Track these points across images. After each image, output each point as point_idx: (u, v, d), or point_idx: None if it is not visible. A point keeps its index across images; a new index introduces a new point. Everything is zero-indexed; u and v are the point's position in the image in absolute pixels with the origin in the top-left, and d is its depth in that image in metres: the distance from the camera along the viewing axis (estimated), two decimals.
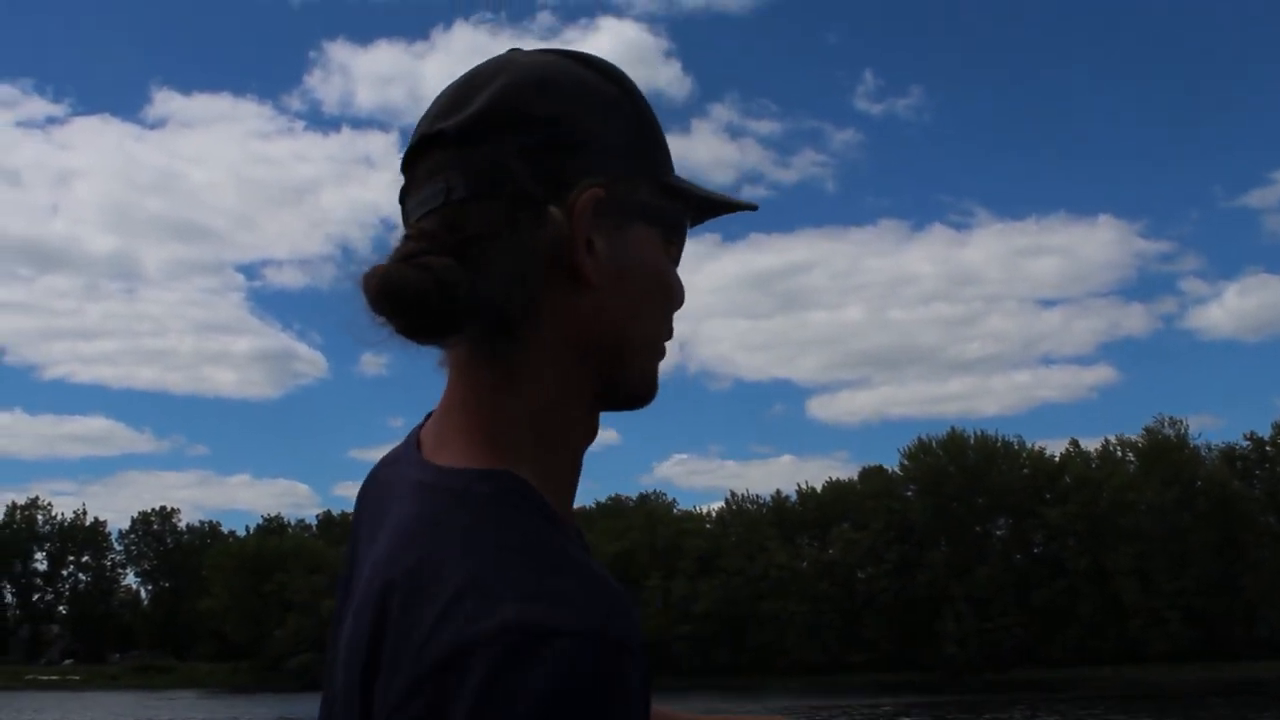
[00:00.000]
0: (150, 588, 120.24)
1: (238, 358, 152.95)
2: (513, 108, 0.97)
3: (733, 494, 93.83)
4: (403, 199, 1.00)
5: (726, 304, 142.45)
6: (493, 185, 0.95)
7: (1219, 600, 72.15)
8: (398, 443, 1.07)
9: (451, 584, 0.83)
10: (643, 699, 0.81)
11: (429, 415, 1.04)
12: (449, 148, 0.97)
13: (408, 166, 1.00)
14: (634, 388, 1.02)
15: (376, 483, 1.05)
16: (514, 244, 0.94)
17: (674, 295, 1.03)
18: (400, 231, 0.99)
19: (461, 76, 1.01)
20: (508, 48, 1.05)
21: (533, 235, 0.94)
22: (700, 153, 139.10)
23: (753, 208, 1.12)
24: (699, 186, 1.05)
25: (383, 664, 0.85)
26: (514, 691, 0.77)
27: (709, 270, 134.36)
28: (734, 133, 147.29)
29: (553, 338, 0.96)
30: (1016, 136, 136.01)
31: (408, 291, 0.92)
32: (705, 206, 1.07)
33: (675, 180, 1.04)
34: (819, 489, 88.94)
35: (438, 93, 1.02)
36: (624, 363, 1.00)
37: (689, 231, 1.07)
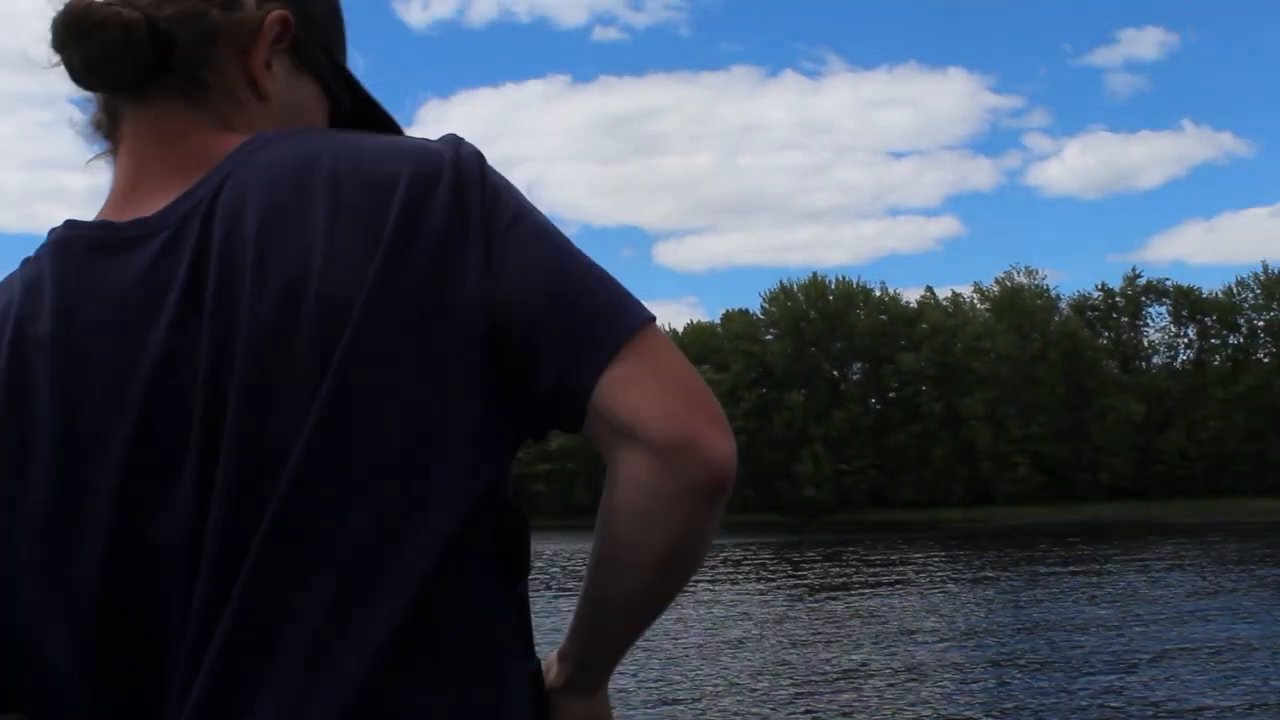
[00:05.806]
0: None
1: (74, 194, 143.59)
2: None
3: None
4: None
5: (576, 147, 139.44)
6: None
7: (1066, 446, 74.54)
8: None
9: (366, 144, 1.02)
10: None
11: (71, 223, 1.06)
12: None
13: None
14: None
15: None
16: (206, 22, 1.04)
17: None
18: None
19: None
20: None
21: (223, 18, 1.05)
22: None
23: (398, 131, 1.17)
24: (363, 87, 1.18)
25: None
26: (477, 162, 1.01)
27: (558, 111, 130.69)
28: None
29: (240, 114, 1.08)
30: None
31: (111, 21, 1.00)
32: (359, 102, 1.18)
33: (349, 71, 1.18)
34: (680, 330, 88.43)
35: None
36: None
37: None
